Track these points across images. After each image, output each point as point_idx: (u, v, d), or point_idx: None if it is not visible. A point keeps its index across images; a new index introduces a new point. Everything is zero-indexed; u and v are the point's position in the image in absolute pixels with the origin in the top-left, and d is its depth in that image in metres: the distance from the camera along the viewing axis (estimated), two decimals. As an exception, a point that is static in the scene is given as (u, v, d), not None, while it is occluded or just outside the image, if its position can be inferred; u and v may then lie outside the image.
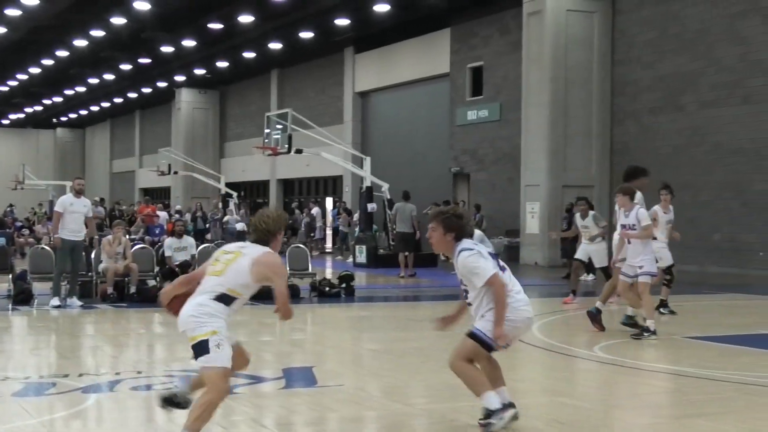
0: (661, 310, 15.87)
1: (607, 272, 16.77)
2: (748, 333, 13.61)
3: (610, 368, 10.46)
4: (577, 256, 17.79)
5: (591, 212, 17.86)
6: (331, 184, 48.84)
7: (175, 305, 6.63)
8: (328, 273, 24.33)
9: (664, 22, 29.45)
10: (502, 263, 7.21)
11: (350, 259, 30.44)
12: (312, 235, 39.74)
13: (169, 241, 19.72)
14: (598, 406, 8.55)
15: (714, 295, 20.13)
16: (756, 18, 26.56)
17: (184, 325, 6.41)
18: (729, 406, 8.38)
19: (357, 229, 32.89)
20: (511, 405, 7.11)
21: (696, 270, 26.09)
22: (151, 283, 18.62)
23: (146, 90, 61.62)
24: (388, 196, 29.28)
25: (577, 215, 18.05)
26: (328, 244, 41.00)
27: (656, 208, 15.79)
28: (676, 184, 28.42)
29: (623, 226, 13.10)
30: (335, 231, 38.92)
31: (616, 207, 13.30)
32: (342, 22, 40.69)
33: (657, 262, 14.07)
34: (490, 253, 7.16)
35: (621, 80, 30.99)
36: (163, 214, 37.85)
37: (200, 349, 6.29)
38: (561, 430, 7.47)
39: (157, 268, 19.07)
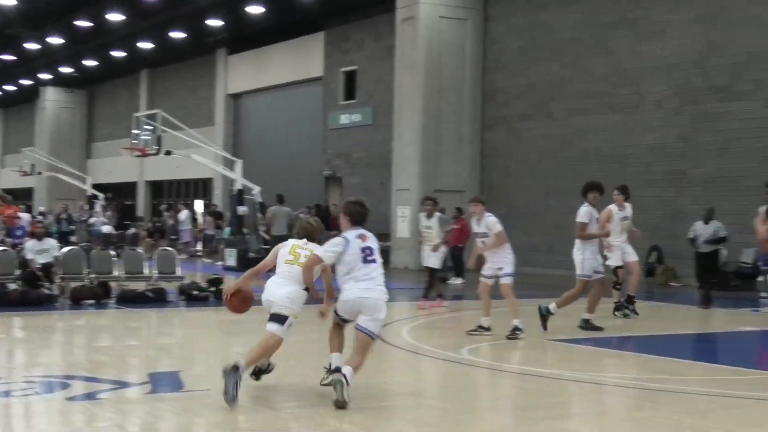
0: (616, 313, 16.20)
1: (432, 273, 17.52)
2: (614, 335, 13.99)
3: (477, 371, 10.59)
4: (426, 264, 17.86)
5: (437, 214, 17.88)
6: (202, 187, 48.31)
7: (235, 300, 8.84)
8: (197, 276, 24.02)
9: (534, 30, 30.07)
10: (368, 251, 8.52)
11: (220, 263, 30.15)
12: (175, 237, 39.19)
13: (30, 244, 19.13)
14: (464, 408, 8.64)
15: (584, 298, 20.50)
16: (623, 29, 27.34)
17: (279, 301, 8.52)
18: (590, 407, 8.57)
19: (224, 232, 32.61)
20: (338, 369, 8.33)
21: (562, 274, 26.59)
22: (12, 286, 18.06)
23: (9, 88, 59.91)
24: (260, 199, 29.11)
25: (422, 215, 18.00)
26: (198, 247, 40.49)
27: (611, 207, 16.16)
28: (545, 189, 29.27)
29: (476, 234, 13.47)
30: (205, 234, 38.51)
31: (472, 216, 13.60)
32: (215, 22, 40.32)
33: (606, 260, 14.60)
34: (364, 248, 8.51)
35: (492, 87, 31.49)
36: (25, 216, 36.75)
37: (279, 320, 8.51)
38: (428, 433, 7.55)
39: (18, 271, 18.51)
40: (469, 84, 31.63)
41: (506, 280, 13.23)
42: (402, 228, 31.50)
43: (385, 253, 31.61)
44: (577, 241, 14.08)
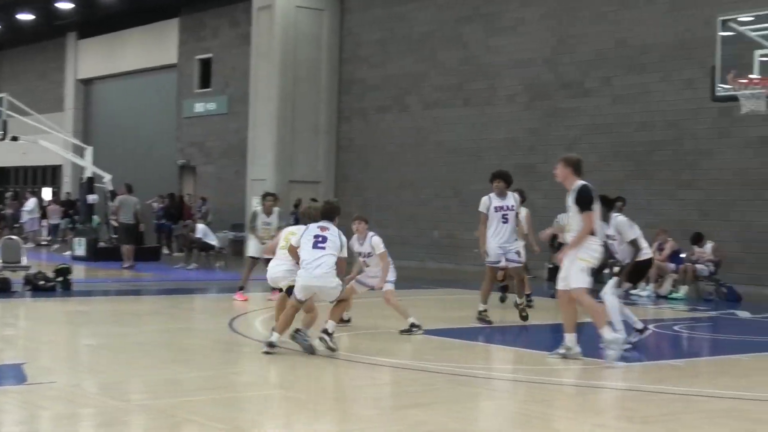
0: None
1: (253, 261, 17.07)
2: (460, 327, 14.15)
3: (331, 361, 10.63)
4: (251, 253, 17.33)
5: (276, 209, 17.62)
6: (50, 174, 47.03)
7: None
8: (44, 266, 23.36)
9: (391, 23, 30.28)
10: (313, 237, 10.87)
11: (68, 252, 29.41)
12: (17, 225, 38.10)
13: None
14: (320, 398, 8.67)
15: (431, 290, 20.84)
16: (477, 24, 27.77)
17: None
18: (441, 396, 8.71)
19: (65, 221, 31.83)
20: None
21: (416, 265, 26.99)
22: None
23: None
24: (111, 188, 28.51)
25: (259, 210, 17.64)
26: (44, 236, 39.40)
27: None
28: (400, 182, 29.55)
29: (359, 253, 13.26)
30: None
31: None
32: (65, 5, 39.27)
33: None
34: (316, 236, 10.88)
35: (349, 78, 31.58)
36: None
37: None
38: (285, 423, 7.53)
39: None
40: (325, 75, 31.64)
41: (388, 287, 13.17)
42: (257, 218, 31.28)
43: (240, 243, 31.54)
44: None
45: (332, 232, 10.96)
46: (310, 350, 10.71)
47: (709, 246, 20.68)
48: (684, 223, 22.13)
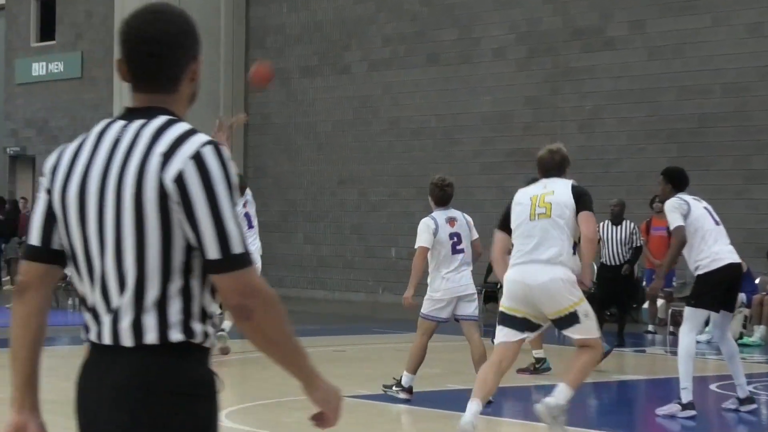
0: None
1: None
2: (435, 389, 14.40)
3: None
4: None
5: None
6: None
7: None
8: None
9: None
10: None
11: None
12: None
13: None
14: None
15: (387, 335, 20.89)
16: None
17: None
18: None
19: None
20: None
21: (365, 299, 26.71)
22: None
23: None
24: None
25: None
26: None
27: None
28: (339, 177, 29.20)
29: None
30: None
31: None
32: None
33: None
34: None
35: (259, 26, 31.64)
36: None
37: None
38: None
39: None
40: (225, 22, 31.29)
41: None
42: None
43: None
44: None
45: None
46: None
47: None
48: (756, 234, 21.98)
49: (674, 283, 21.27)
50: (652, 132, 24.27)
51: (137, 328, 3.64)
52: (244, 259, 3.61)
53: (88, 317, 3.77)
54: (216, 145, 3.66)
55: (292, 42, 30.62)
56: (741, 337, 20.19)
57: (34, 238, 3.84)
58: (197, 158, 3.59)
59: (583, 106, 25.32)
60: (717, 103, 23.56)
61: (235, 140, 31.15)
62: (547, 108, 25.95)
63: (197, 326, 3.69)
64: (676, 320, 20.71)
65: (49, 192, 3.82)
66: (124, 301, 3.66)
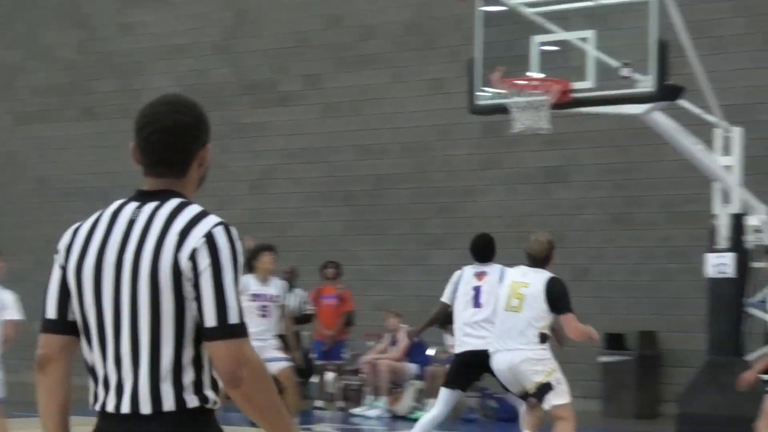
0: None
1: None
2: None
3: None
4: None
5: None
6: None
7: None
8: None
9: None
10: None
11: None
12: None
13: None
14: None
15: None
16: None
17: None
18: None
19: None
20: None
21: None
22: None
23: None
24: None
25: None
26: None
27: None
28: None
29: None
30: None
31: None
32: None
33: None
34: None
35: None
36: None
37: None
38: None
39: None
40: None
41: None
42: None
43: None
44: None
45: None
46: None
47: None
48: (433, 301, 21.09)
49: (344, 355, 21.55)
50: (327, 194, 24.56)
51: (155, 396, 4.07)
52: (240, 330, 4.05)
53: (98, 387, 4.15)
54: (226, 226, 4.11)
55: None
56: (413, 411, 20.16)
57: (51, 311, 4.22)
58: (209, 237, 4.05)
59: (255, 165, 25.30)
60: (395, 163, 24.05)
61: None
62: (215, 168, 24.46)
63: (209, 393, 4.14)
64: (347, 395, 21.34)
65: (63, 268, 4.16)
66: (141, 371, 4.06)
